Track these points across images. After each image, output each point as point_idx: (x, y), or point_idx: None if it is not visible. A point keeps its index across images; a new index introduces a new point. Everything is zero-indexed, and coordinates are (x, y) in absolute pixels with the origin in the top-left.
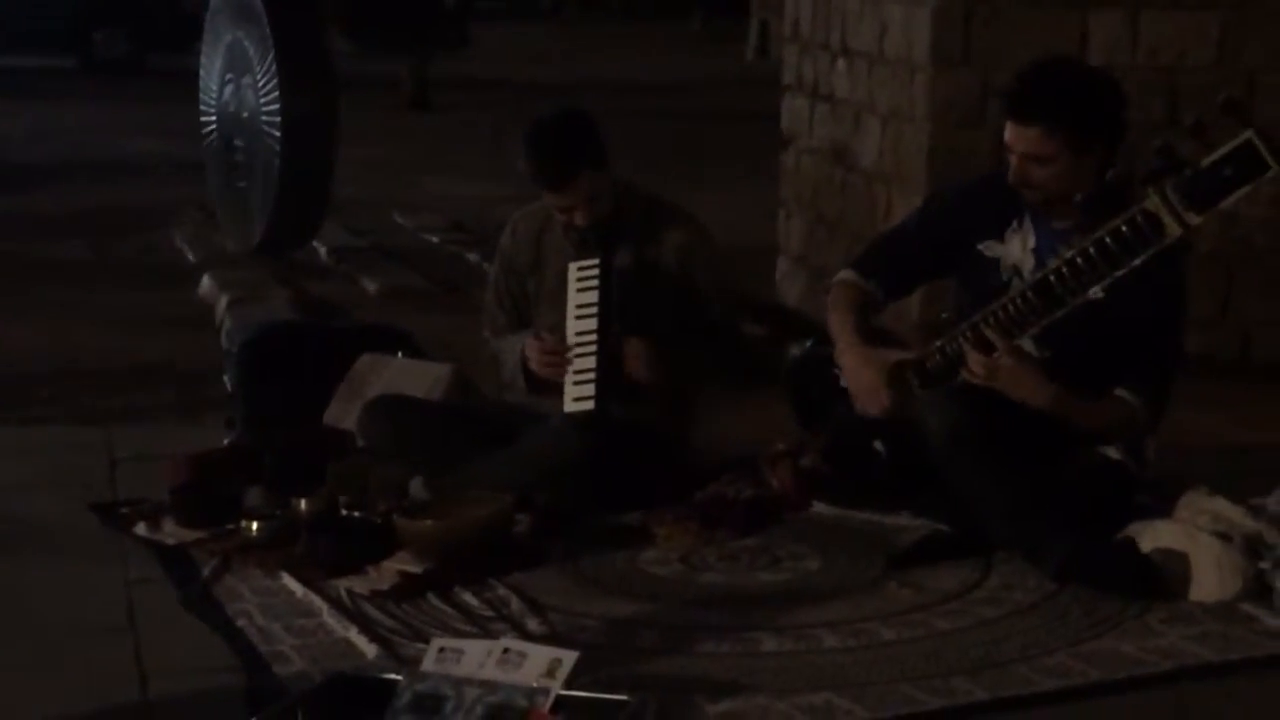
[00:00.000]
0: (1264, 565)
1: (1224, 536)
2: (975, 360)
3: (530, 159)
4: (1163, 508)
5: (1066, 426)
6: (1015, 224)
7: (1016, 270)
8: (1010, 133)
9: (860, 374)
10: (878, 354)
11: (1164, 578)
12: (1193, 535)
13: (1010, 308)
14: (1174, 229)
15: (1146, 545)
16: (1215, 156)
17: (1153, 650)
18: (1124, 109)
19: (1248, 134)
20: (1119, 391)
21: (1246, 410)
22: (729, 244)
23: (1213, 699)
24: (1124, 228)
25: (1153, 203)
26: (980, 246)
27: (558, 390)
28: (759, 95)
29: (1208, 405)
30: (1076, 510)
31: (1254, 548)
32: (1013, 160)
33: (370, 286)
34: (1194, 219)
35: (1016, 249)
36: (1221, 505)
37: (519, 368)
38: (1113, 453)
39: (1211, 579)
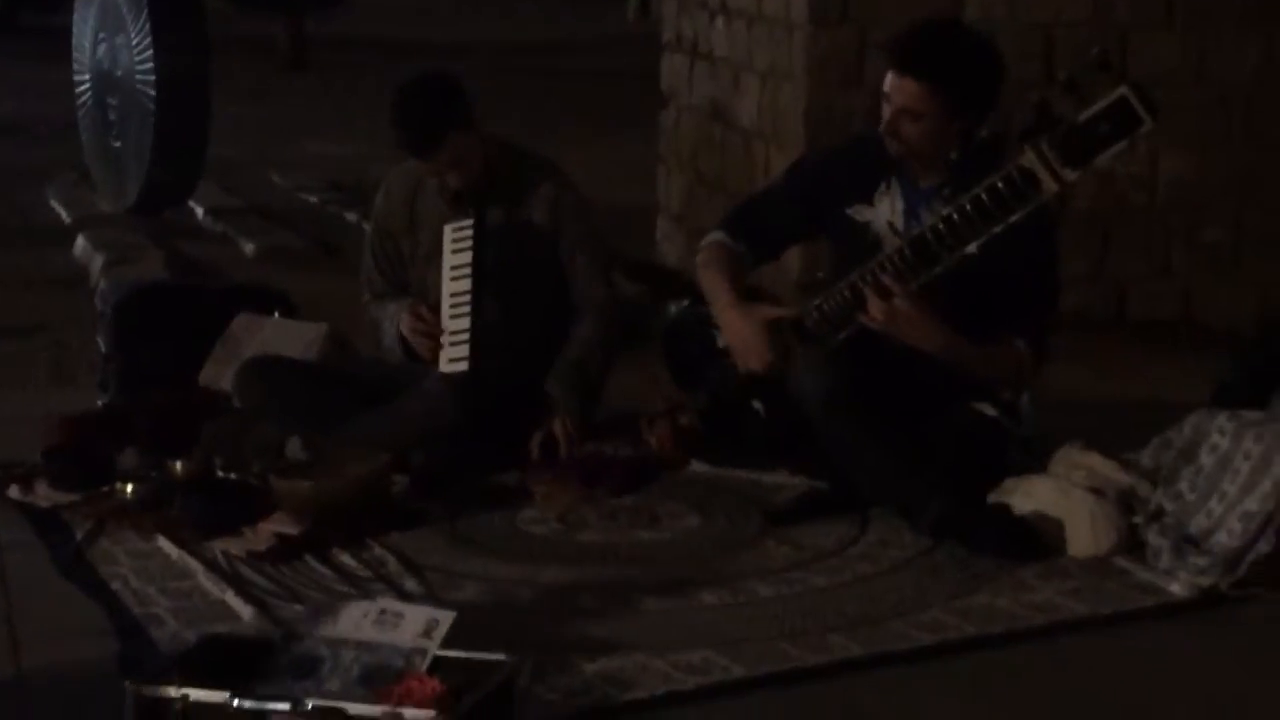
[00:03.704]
0: (1137, 520)
1: (1098, 492)
2: (875, 305)
3: (396, 126)
4: (1037, 464)
5: (948, 378)
6: (884, 186)
7: (892, 229)
8: (891, 83)
9: (740, 331)
10: (756, 310)
11: (1038, 536)
12: (1067, 491)
13: (888, 265)
14: (1050, 185)
15: (1021, 502)
16: (1090, 112)
17: (1028, 605)
18: (1002, 83)
19: (1122, 89)
20: (1005, 337)
21: (1121, 366)
22: (610, 203)
23: (1088, 652)
24: (1001, 185)
25: (1029, 159)
26: (849, 211)
27: (435, 359)
28: (641, 55)
29: (1083, 361)
30: (951, 468)
31: (1128, 503)
32: (887, 110)
33: (247, 247)
34: (1070, 175)
35: (886, 211)
36: (1096, 461)
37: (395, 340)
38: (988, 409)
39: (1086, 534)
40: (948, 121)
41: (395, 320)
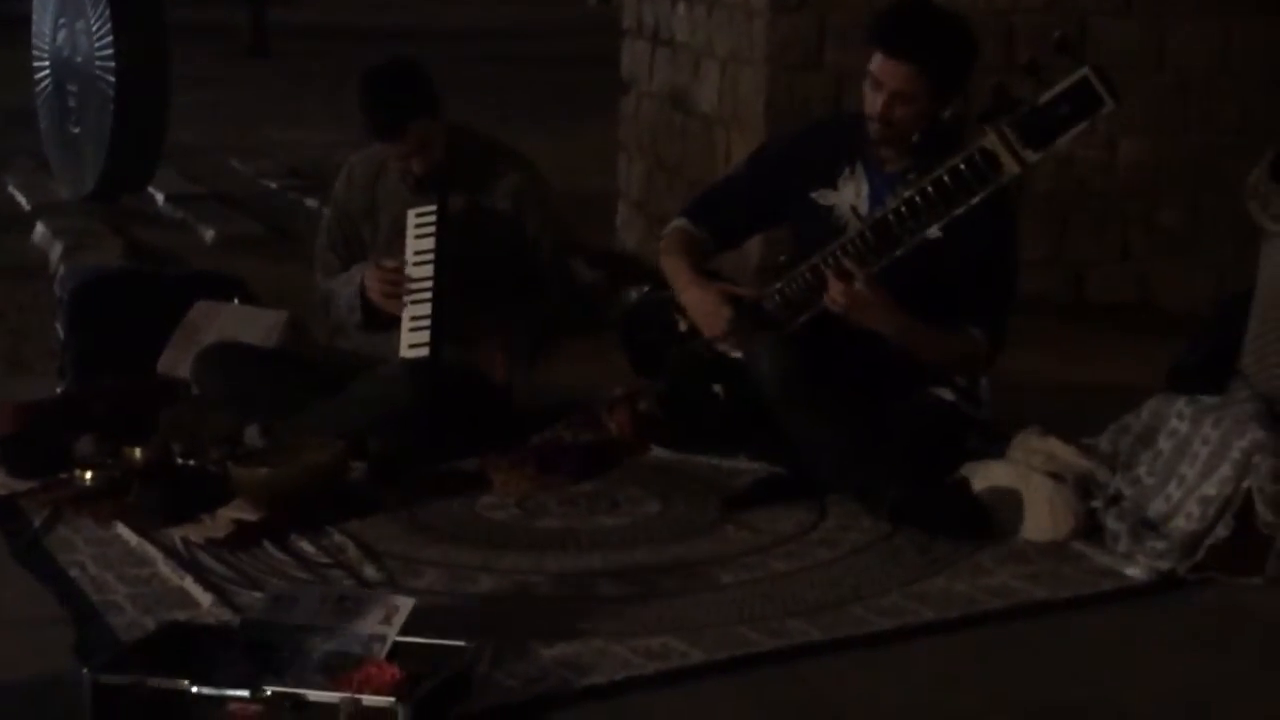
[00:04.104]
0: (1096, 504)
1: (1056, 476)
2: (836, 289)
3: (363, 110)
4: (996, 448)
5: (906, 364)
6: (847, 171)
7: (855, 213)
8: (881, 68)
9: (701, 300)
10: (718, 285)
11: (996, 519)
12: (1026, 475)
13: (850, 248)
14: (1012, 167)
15: (980, 486)
16: (1052, 94)
17: (985, 589)
18: (976, 62)
19: (1083, 70)
20: (962, 325)
21: (1079, 350)
22: (570, 190)
23: (1046, 636)
24: (962, 166)
25: (990, 141)
26: (813, 195)
27: (394, 323)
28: (601, 41)
29: (1041, 345)
30: (910, 453)
31: (1086, 487)
32: (878, 95)
33: (207, 234)
34: (1032, 156)
35: (850, 195)
36: (1054, 445)
37: (356, 300)
38: (946, 394)
39: (1044, 519)
40: (933, 102)
41: (355, 282)
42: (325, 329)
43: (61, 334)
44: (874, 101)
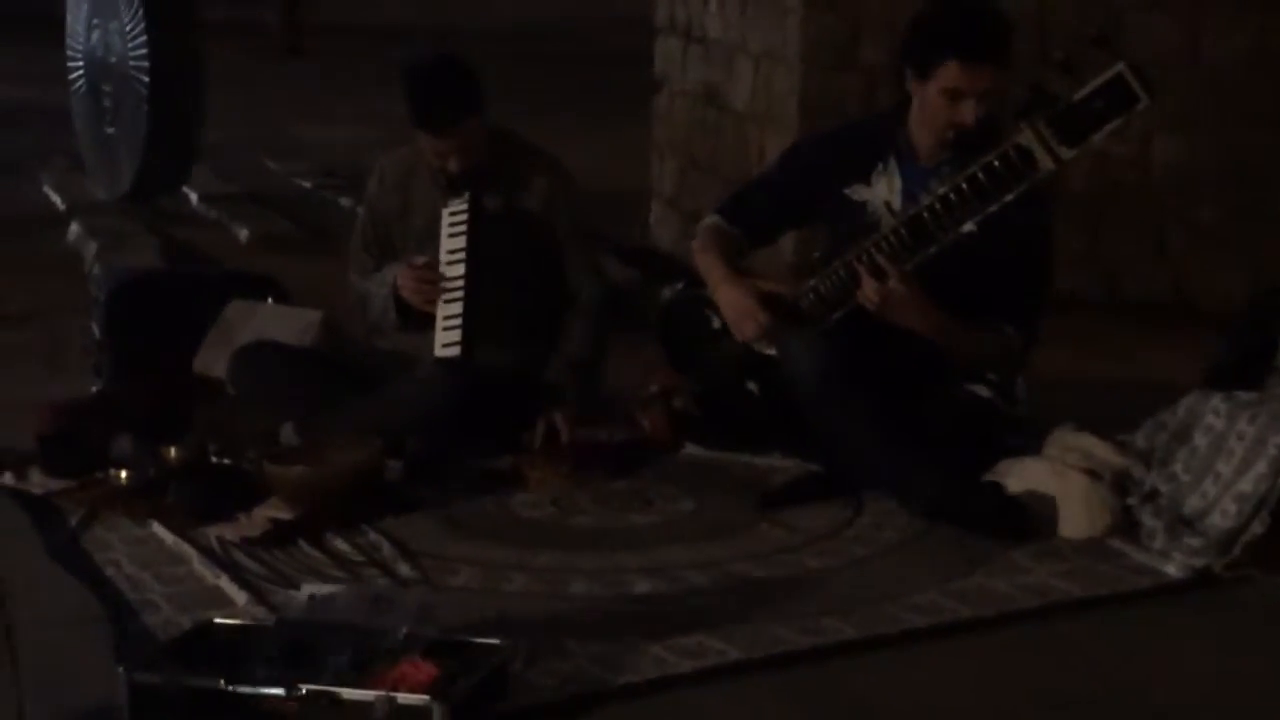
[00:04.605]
0: (1131, 501)
1: (1092, 473)
2: (870, 286)
3: (417, 103)
4: (1032, 445)
5: (942, 360)
6: (881, 166)
7: (889, 209)
8: (968, 76)
9: (735, 300)
10: (752, 282)
11: (1032, 518)
12: (1061, 472)
13: (884, 244)
14: (1047, 163)
15: (1015, 483)
16: (1087, 90)
17: (1022, 587)
18: None
19: (1119, 66)
20: (996, 322)
21: (1115, 348)
22: (603, 188)
23: (1082, 634)
24: (997, 163)
25: (1026, 137)
26: (847, 191)
27: (429, 323)
28: (633, 38)
29: (1076, 343)
30: (946, 449)
31: (1122, 484)
32: (965, 104)
33: (241, 233)
34: (1067, 153)
35: (883, 191)
36: (1090, 442)
37: (390, 300)
38: (982, 391)
39: (1080, 516)
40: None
41: (388, 283)
42: (361, 328)
43: (97, 334)
44: (962, 112)
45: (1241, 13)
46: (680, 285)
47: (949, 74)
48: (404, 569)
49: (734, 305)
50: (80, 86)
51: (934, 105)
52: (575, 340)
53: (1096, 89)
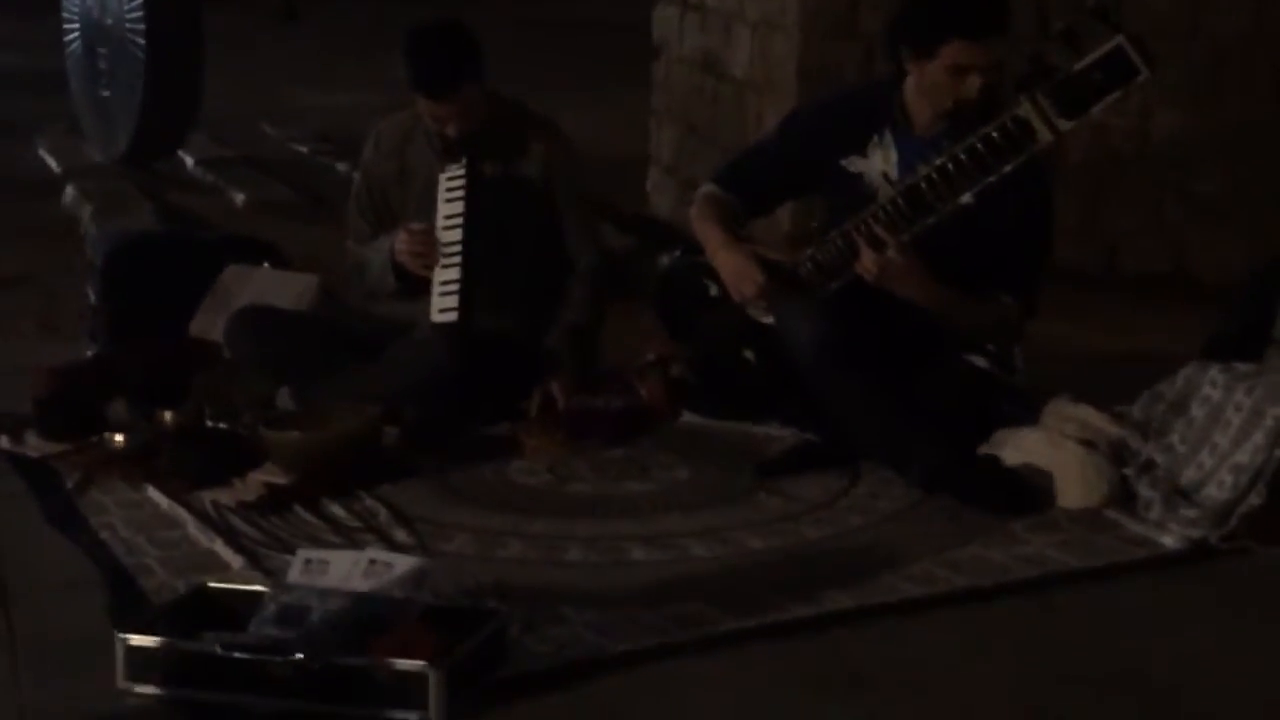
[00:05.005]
0: (1128, 472)
1: (1089, 444)
2: (868, 256)
3: (417, 66)
4: (1029, 416)
5: (940, 330)
6: (877, 139)
7: (886, 179)
8: (973, 52)
9: (733, 263)
10: (751, 248)
11: (1029, 490)
12: (1058, 443)
13: (882, 214)
14: (1045, 135)
15: (1012, 455)
16: (1086, 62)
17: (1018, 557)
18: None
19: (1118, 39)
20: (995, 292)
21: (1112, 319)
22: (601, 155)
23: (1078, 604)
24: (995, 134)
25: (1024, 109)
26: (843, 163)
27: (427, 288)
28: (631, 5)
29: (1074, 314)
30: (943, 420)
31: (1119, 455)
32: (969, 79)
33: (238, 198)
34: (1065, 125)
35: (879, 162)
36: (1087, 413)
37: (388, 265)
38: (980, 361)
39: (1077, 487)
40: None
41: (386, 249)
42: (358, 294)
43: (93, 297)
44: (968, 86)
45: None
46: (678, 253)
47: (954, 52)
48: (400, 535)
49: (732, 267)
50: (76, 49)
51: (938, 82)
52: (573, 307)
53: (1095, 61)
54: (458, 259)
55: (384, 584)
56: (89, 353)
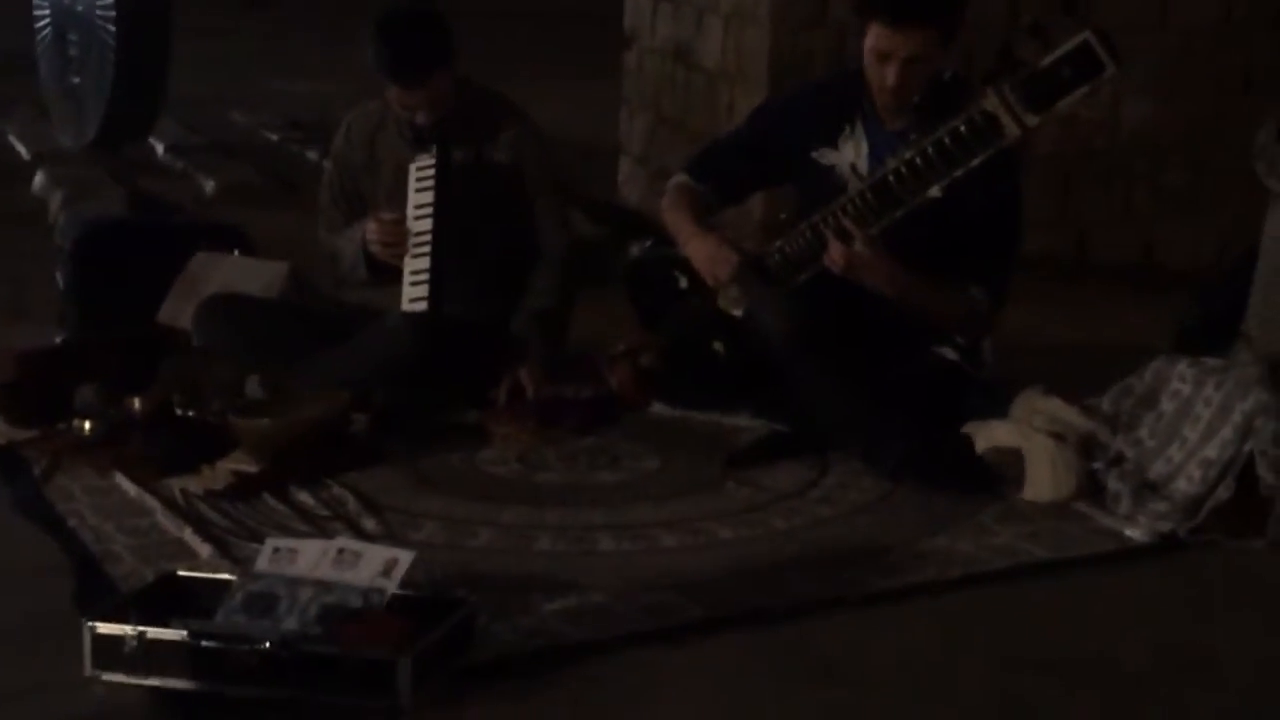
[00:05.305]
0: (1097, 465)
1: (1058, 436)
2: (835, 249)
3: (386, 54)
4: (999, 408)
5: (910, 321)
6: (848, 130)
7: (855, 172)
8: (890, 39)
9: (704, 249)
10: (721, 237)
11: (998, 476)
12: (1028, 435)
13: (850, 208)
14: (1012, 130)
15: (982, 445)
16: (1053, 57)
17: (987, 549)
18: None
19: (1085, 34)
20: (964, 284)
21: (1082, 311)
22: (572, 144)
23: (1047, 596)
24: (962, 128)
25: (991, 103)
26: (814, 154)
27: (399, 277)
28: None
29: (1044, 305)
30: (912, 411)
31: (1088, 448)
32: (890, 66)
33: (208, 184)
34: (1032, 120)
35: (850, 154)
36: (1056, 405)
37: (360, 255)
38: (949, 353)
39: (1046, 479)
40: (939, 58)
41: (357, 239)
42: (330, 282)
43: (62, 283)
44: (885, 75)
45: None
46: (648, 243)
47: (873, 35)
48: (369, 523)
49: (705, 253)
50: (46, 34)
51: (869, 65)
52: (541, 291)
53: (1063, 56)
54: (428, 249)
55: (352, 572)
56: (57, 339)
